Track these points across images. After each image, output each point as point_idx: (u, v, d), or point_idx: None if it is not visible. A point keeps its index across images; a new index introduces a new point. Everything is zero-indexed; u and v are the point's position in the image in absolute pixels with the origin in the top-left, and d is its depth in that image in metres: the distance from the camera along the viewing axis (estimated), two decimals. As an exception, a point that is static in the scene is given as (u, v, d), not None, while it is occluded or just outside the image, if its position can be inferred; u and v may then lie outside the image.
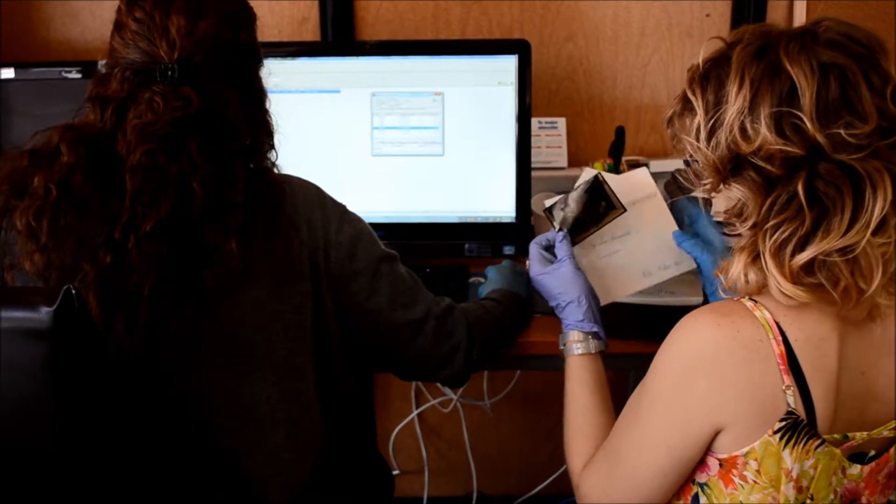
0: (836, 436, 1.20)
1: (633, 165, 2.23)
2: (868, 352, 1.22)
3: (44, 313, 1.18)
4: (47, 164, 1.34)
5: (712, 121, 1.20)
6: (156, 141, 1.31)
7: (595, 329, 1.49)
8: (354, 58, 2.00)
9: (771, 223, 1.16)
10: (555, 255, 1.58)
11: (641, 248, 1.62)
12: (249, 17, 1.46)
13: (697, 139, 1.22)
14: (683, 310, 1.42)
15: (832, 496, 1.22)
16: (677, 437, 1.21)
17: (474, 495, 2.62)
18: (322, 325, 1.44)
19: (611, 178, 1.62)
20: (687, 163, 1.30)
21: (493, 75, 1.97)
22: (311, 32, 2.29)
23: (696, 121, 1.22)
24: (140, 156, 1.31)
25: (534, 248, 1.60)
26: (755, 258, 1.19)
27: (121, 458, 1.36)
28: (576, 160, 2.31)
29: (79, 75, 2.06)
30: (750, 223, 1.20)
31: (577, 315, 1.49)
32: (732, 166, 1.19)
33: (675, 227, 1.62)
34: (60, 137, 1.35)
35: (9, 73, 2.09)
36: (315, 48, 2.16)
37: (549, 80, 2.33)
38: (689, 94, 1.24)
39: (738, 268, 1.21)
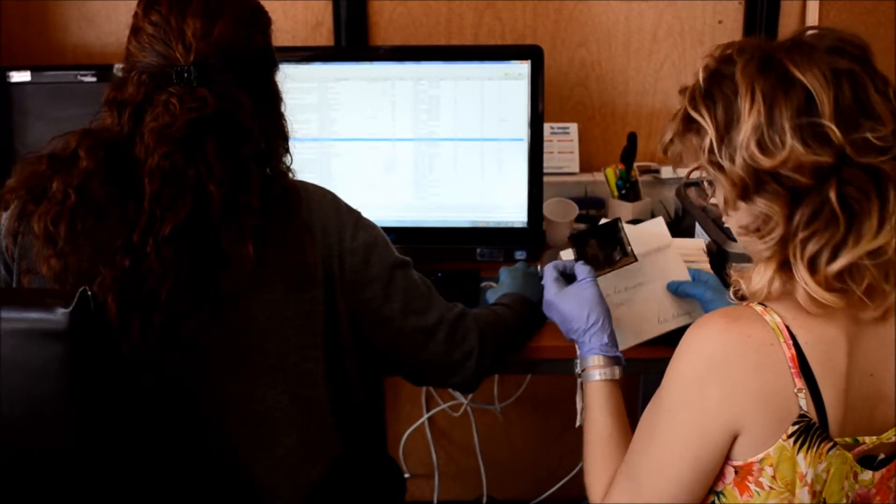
0: (847, 439, 1.20)
1: (645, 171, 2.24)
2: (876, 353, 1.22)
3: (60, 314, 1.19)
4: (66, 169, 1.35)
5: (726, 138, 1.18)
6: (173, 143, 1.32)
7: (618, 354, 1.43)
8: (368, 63, 2.01)
9: (802, 234, 1.15)
10: (568, 281, 1.52)
11: (656, 298, 1.61)
12: (264, 20, 1.47)
13: (712, 158, 1.20)
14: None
15: (844, 501, 1.22)
16: (697, 447, 1.19)
17: (484, 499, 2.62)
18: (334, 330, 1.44)
19: (627, 228, 1.61)
20: (696, 183, 1.29)
21: (505, 81, 1.98)
22: (324, 37, 2.30)
23: (706, 140, 1.19)
24: (158, 158, 1.32)
25: (551, 270, 1.54)
26: (783, 267, 1.18)
27: (132, 459, 1.36)
28: (587, 166, 2.32)
29: (94, 79, 2.07)
30: (776, 235, 1.18)
31: (601, 338, 1.42)
32: (754, 182, 1.17)
33: (689, 277, 1.62)
34: (79, 142, 1.36)
35: (25, 76, 2.09)
36: (329, 53, 2.17)
37: (561, 86, 2.33)
38: (695, 114, 1.20)
39: (764, 277, 1.19)
